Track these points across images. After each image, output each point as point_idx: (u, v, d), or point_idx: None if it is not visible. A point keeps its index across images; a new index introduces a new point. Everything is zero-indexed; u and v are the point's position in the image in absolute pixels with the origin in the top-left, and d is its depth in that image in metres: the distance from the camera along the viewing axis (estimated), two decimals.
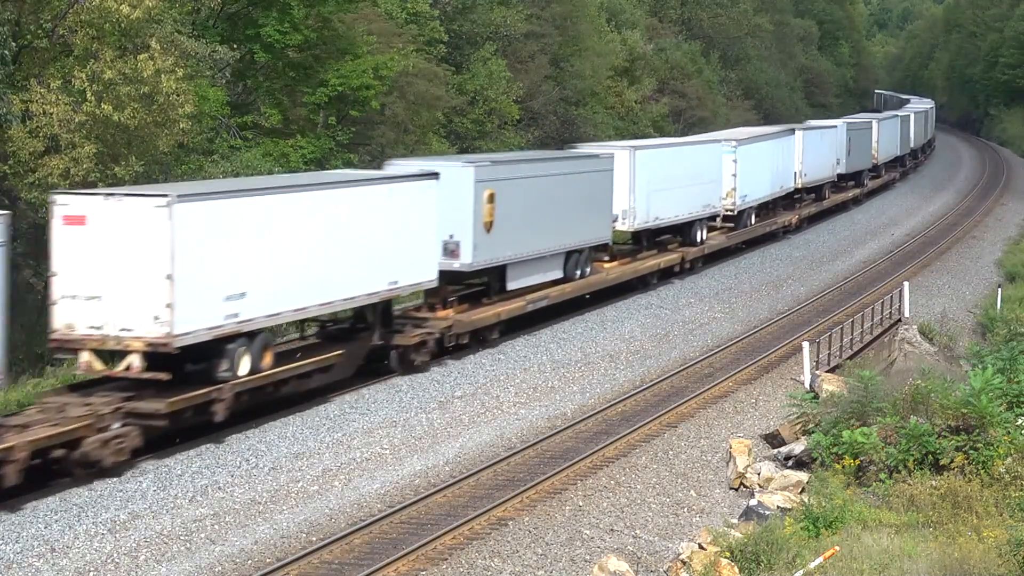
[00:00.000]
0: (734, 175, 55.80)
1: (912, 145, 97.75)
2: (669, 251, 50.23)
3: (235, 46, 43.64)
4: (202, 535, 23.76)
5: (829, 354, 36.70)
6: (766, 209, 61.77)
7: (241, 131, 44.78)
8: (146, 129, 34.36)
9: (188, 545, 23.28)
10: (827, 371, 34.91)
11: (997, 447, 25.49)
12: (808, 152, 66.88)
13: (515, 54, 64.76)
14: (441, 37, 56.83)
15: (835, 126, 75.05)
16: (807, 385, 34.13)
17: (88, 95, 33.61)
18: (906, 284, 44.69)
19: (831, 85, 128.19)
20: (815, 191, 69.76)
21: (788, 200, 65.41)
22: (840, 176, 74.29)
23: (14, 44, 33.88)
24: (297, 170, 43.04)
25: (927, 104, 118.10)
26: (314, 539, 23.83)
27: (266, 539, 23.79)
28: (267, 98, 46.93)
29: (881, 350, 39.41)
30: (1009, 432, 25.98)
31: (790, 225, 63.81)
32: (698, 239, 52.16)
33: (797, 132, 67.10)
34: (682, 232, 51.63)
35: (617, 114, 75.21)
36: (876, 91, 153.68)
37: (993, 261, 59.16)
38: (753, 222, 59.41)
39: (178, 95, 34.75)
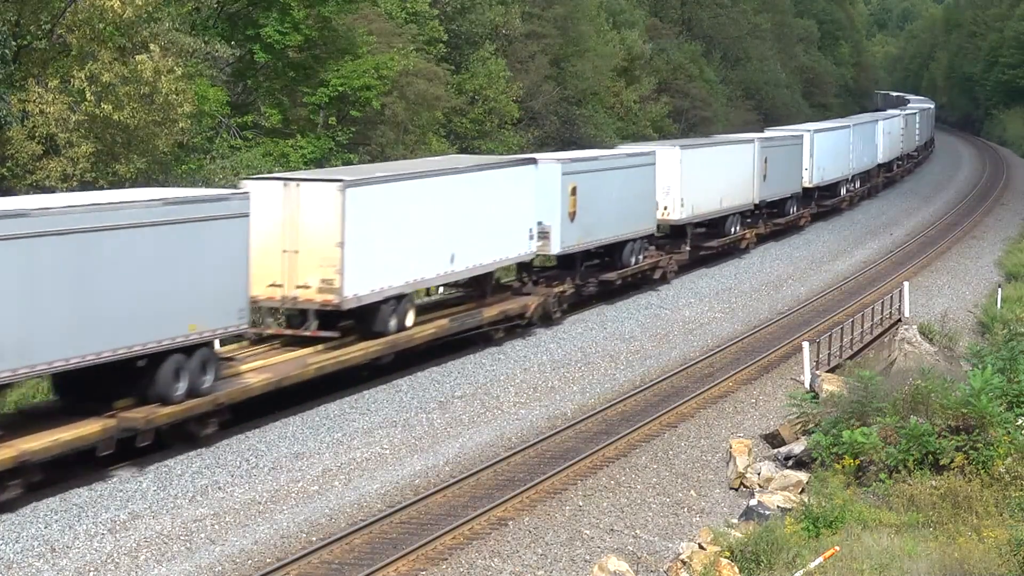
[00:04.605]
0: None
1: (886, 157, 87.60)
2: (514, 298, 40.65)
3: (235, 46, 43.62)
4: (202, 535, 23.76)
5: (829, 354, 36.69)
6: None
7: (241, 131, 44.79)
8: (146, 129, 34.35)
9: (188, 545, 23.29)
10: (827, 371, 34.90)
11: (997, 447, 25.49)
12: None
13: (515, 54, 64.73)
14: (441, 37, 56.83)
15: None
16: (807, 385, 34.12)
17: (87, 95, 33.61)
18: (906, 284, 44.70)
19: (831, 85, 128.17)
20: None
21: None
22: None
23: (14, 44, 33.88)
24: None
25: (928, 104, 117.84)
26: (314, 539, 23.83)
27: (266, 539, 23.79)
28: (267, 98, 46.90)
29: (881, 350, 39.41)
30: (1009, 432, 25.97)
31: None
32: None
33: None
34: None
35: (616, 114, 75.17)
36: (877, 91, 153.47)
37: (993, 261, 59.13)
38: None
39: (177, 94, 34.73)
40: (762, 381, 36.55)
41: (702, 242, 54.71)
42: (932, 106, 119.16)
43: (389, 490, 26.66)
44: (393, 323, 33.73)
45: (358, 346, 32.79)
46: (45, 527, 23.26)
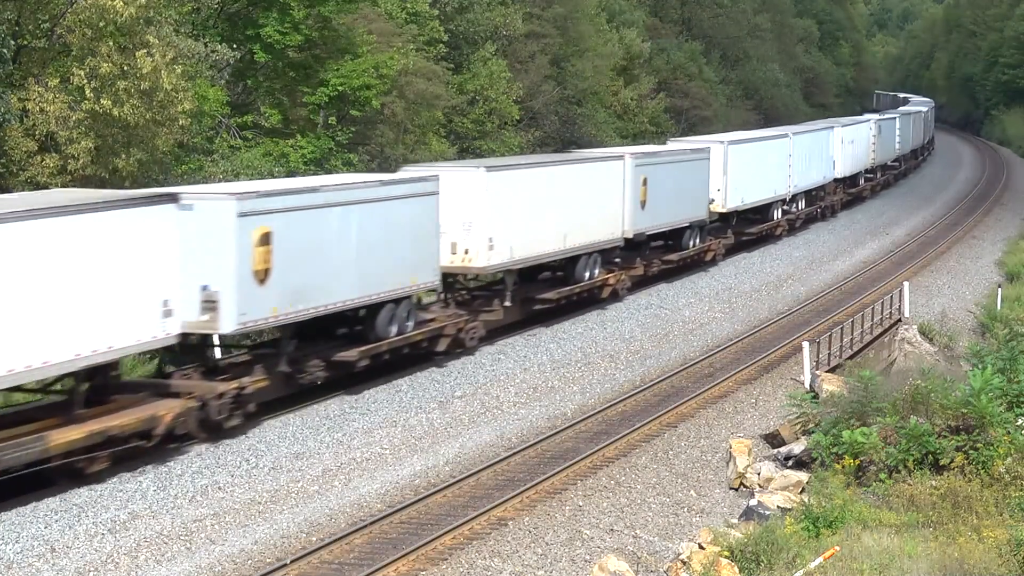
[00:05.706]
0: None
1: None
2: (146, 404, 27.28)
3: (235, 46, 43.64)
4: (202, 535, 23.76)
5: (829, 354, 36.68)
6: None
7: (241, 131, 44.81)
8: (147, 128, 34.36)
9: (188, 545, 23.29)
10: (827, 371, 34.91)
11: (997, 447, 25.49)
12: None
13: (515, 54, 64.83)
14: (441, 37, 56.89)
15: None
16: (807, 385, 34.13)
17: (87, 92, 33.62)
18: (906, 284, 44.68)
19: (831, 85, 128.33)
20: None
21: None
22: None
23: (13, 43, 33.90)
24: (296, 172, 43.08)
25: (921, 107, 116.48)
26: (314, 539, 23.84)
27: (266, 539, 23.79)
28: (267, 98, 46.95)
29: (881, 350, 39.42)
30: (1009, 432, 25.97)
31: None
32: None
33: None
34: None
35: (615, 112, 75.29)
36: (877, 92, 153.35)
37: (993, 261, 59.14)
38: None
39: (176, 92, 34.74)
40: (762, 381, 36.54)
41: (537, 292, 41.24)
42: (926, 109, 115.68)
43: (389, 490, 26.67)
44: None
45: None
46: (45, 527, 23.26)
